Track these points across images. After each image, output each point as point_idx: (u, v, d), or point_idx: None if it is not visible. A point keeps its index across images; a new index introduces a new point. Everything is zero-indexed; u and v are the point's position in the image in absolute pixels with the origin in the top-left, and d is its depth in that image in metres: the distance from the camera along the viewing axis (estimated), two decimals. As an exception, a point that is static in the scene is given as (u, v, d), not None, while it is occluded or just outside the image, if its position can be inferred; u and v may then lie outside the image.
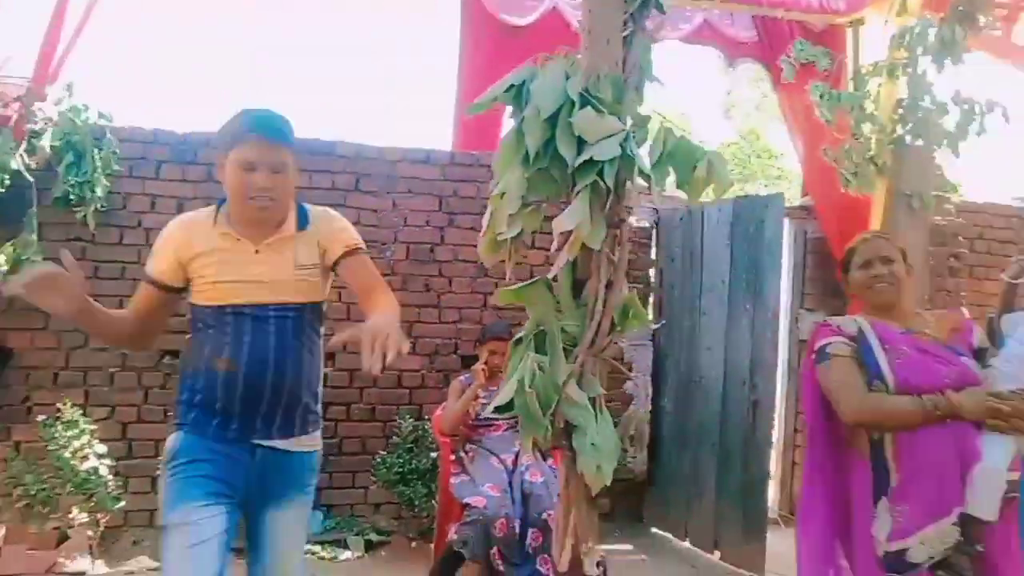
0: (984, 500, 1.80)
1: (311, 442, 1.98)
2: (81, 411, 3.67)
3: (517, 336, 1.87)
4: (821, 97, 3.97)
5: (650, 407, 4.64)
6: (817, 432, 2.09)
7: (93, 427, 3.64)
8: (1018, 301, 2.22)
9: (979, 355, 1.98)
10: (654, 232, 4.74)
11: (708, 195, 1.83)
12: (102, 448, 3.60)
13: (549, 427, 1.76)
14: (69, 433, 3.50)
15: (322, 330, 2.01)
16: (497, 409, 1.78)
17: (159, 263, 1.90)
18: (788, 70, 4.25)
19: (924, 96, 4.09)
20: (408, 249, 4.31)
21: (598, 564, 1.91)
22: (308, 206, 1.98)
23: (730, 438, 4.06)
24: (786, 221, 4.76)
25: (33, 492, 3.37)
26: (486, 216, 1.80)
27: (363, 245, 2.00)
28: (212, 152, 1.88)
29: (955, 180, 4.63)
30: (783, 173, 13.41)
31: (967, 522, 1.81)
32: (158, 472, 3.75)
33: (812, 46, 4.25)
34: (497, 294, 1.81)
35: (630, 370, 4.63)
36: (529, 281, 1.83)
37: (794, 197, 5.67)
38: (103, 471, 3.53)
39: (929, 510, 1.81)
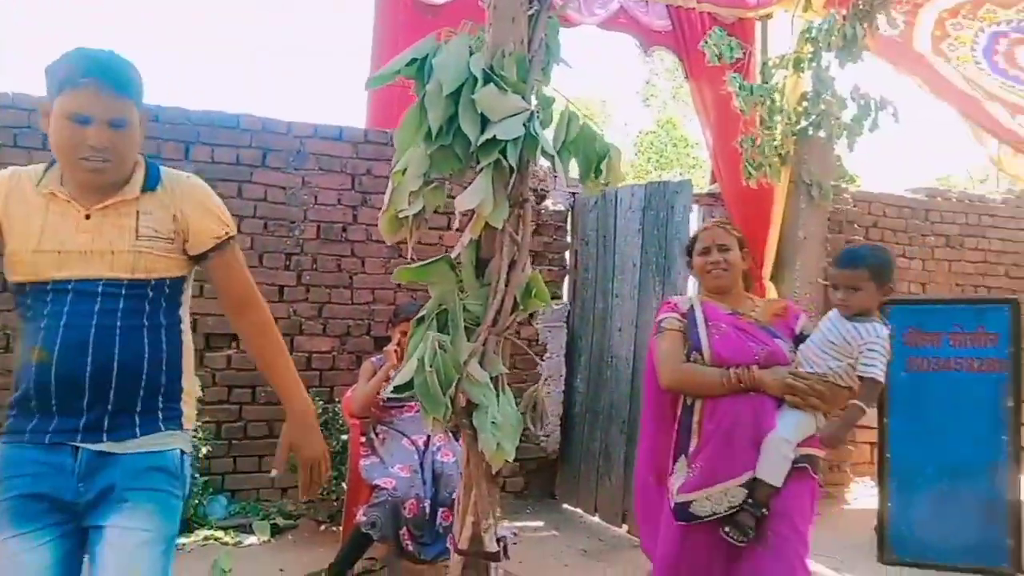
0: (770, 467, 2.00)
1: (163, 441, 1.60)
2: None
3: (419, 315, 1.85)
4: (741, 88, 4.09)
5: (563, 387, 4.73)
6: (650, 395, 2.33)
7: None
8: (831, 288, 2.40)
9: (801, 340, 2.18)
10: (569, 215, 4.79)
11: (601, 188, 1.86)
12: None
13: (449, 406, 1.76)
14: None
15: (184, 310, 1.71)
16: (396, 389, 1.77)
17: None
18: (711, 55, 4.35)
19: (826, 90, 4.27)
20: (319, 228, 4.21)
21: (499, 540, 1.93)
22: (162, 167, 1.66)
23: (639, 416, 4.16)
24: (695, 207, 4.92)
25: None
26: (387, 193, 1.77)
27: (234, 231, 1.73)
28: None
29: (852, 171, 4.86)
30: (699, 162, 13.79)
31: (757, 486, 2.00)
32: None
33: (725, 36, 4.36)
34: (397, 272, 1.79)
35: (544, 351, 4.69)
36: (430, 260, 1.82)
37: (707, 185, 5.84)
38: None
39: (719, 470, 2.03)
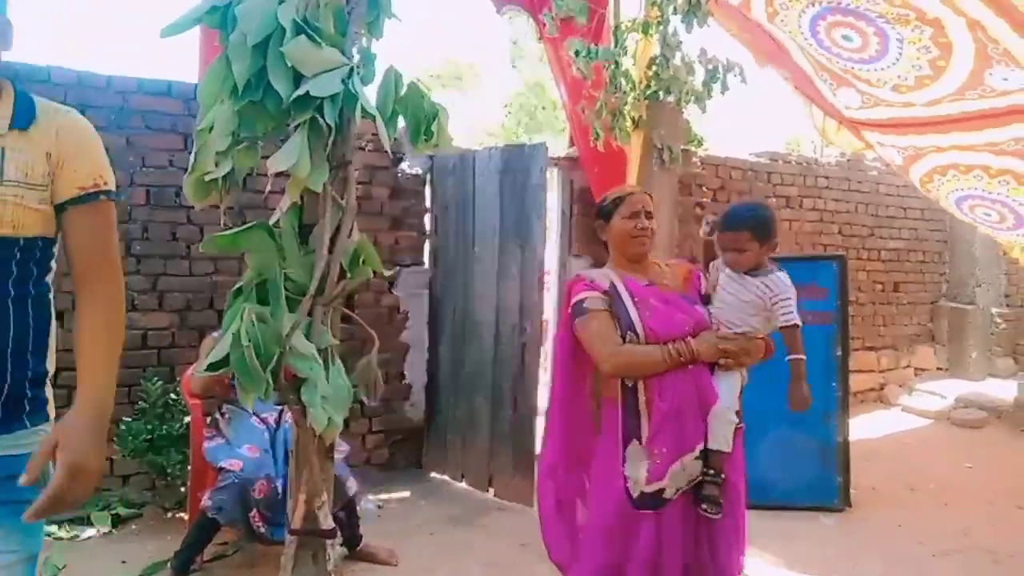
0: (722, 435, 2.01)
1: (29, 441, 1.37)
2: None
3: (236, 287, 1.72)
4: (577, 54, 4.09)
5: (427, 356, 4.67)
6: (565, 377, 2.19)
7: None
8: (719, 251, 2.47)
9: (706, 301, 2.19)
10: (428, 178, 4.69)
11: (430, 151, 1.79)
12: None
13: (271, 382, 1.65)
14: None
15: (51, 277, 1.44)
16: (211, 366, 1.64)
17: None
18: (551, 25, 4.32)
19: (674, 54, 4.35)
20: (148, 193, 3.86)
21: (336, 517, 1.86)
22: (37, 97, 1.38)
23: (502, 380, 4.20)
24: (554, 170, 4.95)
25: None
26: (192, 153, 1.61)
27: (111, 186, 1.42)
28: None
29: (701, 135, 5.03)
30: (567, 125, 13.94)
31: (712, 455, 2.00)
32: None
33: (574, 1, 4.35)
34: (206, 241, 1.64)
35: (406, 319, 4.60)
36: (244, 226, 1.68)
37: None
38: None
39: (677, 449, 1.98)
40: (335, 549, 1.76)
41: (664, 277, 2.18)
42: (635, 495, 2.00)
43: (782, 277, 2.11)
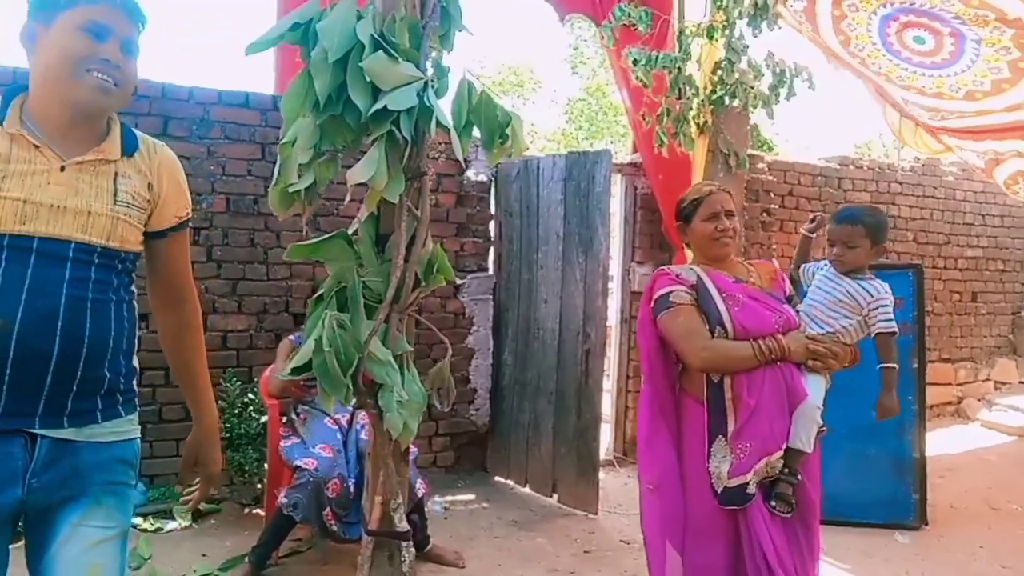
0: (805, 434, 1.99)
1: (124, 429, 1.49)
2: None
3: (317, 294, 1.79)
4: (635, 63, 4.08)
5: (491, 360, 4.72)
6: (656, 376, 2.15)
7: None
8: (814, 252, 2.44)
9: (789, 302, 2.17)
10: (492, 186, 4.74)
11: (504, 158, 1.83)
12: None
13: (351, 386, 1.71)
14: None
15: (134, 287, 1.56)
16: (295, 370, 1.71)
17: None
18: (608, 37, 4.33)
19: (740, 58, 4.30)
20: (228, 200, 4.03)
21: (410, 517, 1.91)
22: (135, 130, 1.55)
23: (566, 386, 4.21)
24: (617, 177, 4.94)
25: None
26: (276, 166, 1.69)
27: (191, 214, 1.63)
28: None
29: (770, 139, 4.95)
30: (628, 130, 13.86)
31: (791, 454, 1.98)
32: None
33: (636, 8, 4.33)
34: (289, 250, 1.71)
35: (471, 324, 4.67)
36: (325, 236, 1.75)
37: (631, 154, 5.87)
38: None
39: (763, 446, 1.95)
40: (410, 550, 1.80)
41: (750, 275, 2.16)
42: (719, 490, 1.97)
43: (882, 284, 2.10)
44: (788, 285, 2.21)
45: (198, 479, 1.68)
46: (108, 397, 1.45)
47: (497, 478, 4.61)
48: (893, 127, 4.72)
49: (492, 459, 4.71)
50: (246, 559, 3.10)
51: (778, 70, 4.39)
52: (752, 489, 1.96)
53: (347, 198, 1.68)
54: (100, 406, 1.43)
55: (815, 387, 2.02)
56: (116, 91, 1.40)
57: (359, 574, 1.78)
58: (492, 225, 4.76)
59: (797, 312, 2.14)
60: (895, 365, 2.08)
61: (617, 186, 4.97)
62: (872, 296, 2.06)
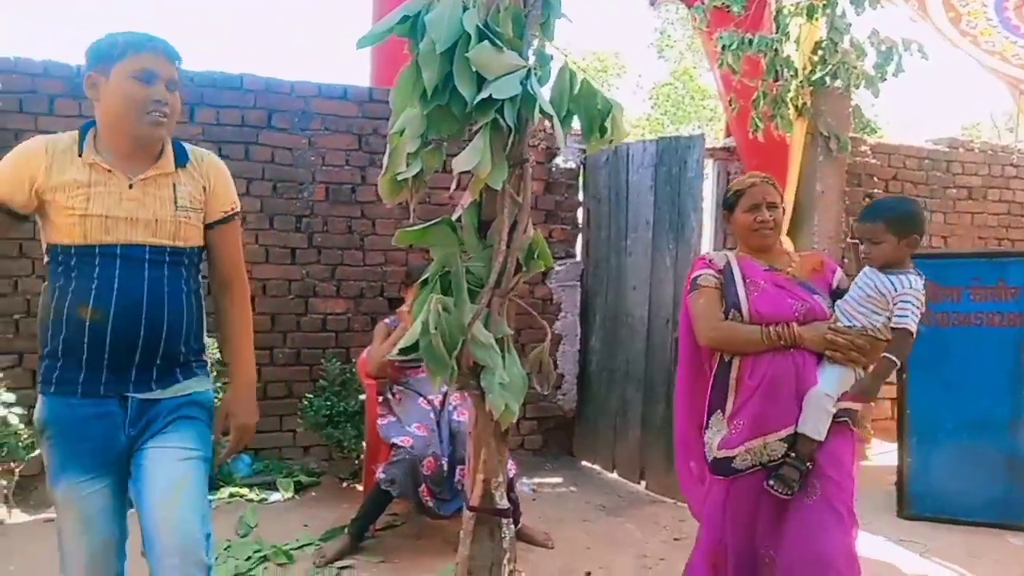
0: (812, 421, 2.01)
1: (200, 384, 1.82)
2: (-14, 359, 3.53)
3: (423, 278, 1.85)
4: (724, 48, 3.98)
5: (579, 346, 4.74)
6: (685, 352, 2.32)
7: (-1, 375, 3.50)
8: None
9: (839, 295, 2.16)
10: (581, 172, 4.74)
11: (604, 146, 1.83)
12: (10, 397, 3.47)
13: (455, 368, 1.77)
14: (-26, 383, 3.36)
15: (199, 277, 1.87)
16: (403, 351, 1.78)
17: (5, 183, 1.66)
18: (700, 19, 4.24)
19: (842, 37, 4.13)
20: (327, 189, 4.20)
21: (509, 495, 1.96)
22: (183, 142, 1.83)
23: (655, 374, 4.19)
24: (709, 161, 4.85)
25: (-58, 443, 3.25)
26: (386, 155, 1.75)
27: (239, 207, 1.92)
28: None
29: (873, 121, 4.74)
30: (716, 114, 13.52)
31: (799, 440, 2.02)
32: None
33: (733, -14, 4.23)
34: (398, 235, 1.78)
35: (559, 310, 4.70)
36: (431, 222, 1.81)
37: (723, 138, 5.73)
38: (12, 420, 3.42)
39: (760, 426, 2.04)
40: (510, 527, 1.85)
41: (789, 266, 2.20)
42: (709, 459, 2.14)
43: (913, 280, 2.03)
44: (838, 279, 2.21)
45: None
46: (184, 368, 1.78)
47: (584, 462, 4.64)
48: (1018, 99, 4.41)
49: (579, 444, 4.74)
50: (345, 531, 3.24)
51: (884, 47, 4.20)
52: (738, 464, 2.06)
53: (452, 186, 1.73)
54: (180, 374, 1.77)
55: (830, 376, 2.04)
56: (167, 122, 1.71)
57: (461, 548, 1.84)
58: (580, 212, 4.77)
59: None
60: (897, 360, 2.01)
61: (709, 171, 4.88)
62: (896, 291, 2.00)
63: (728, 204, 2.26)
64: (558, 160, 4.66)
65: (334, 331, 4.24)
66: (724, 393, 2.13)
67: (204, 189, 1.81)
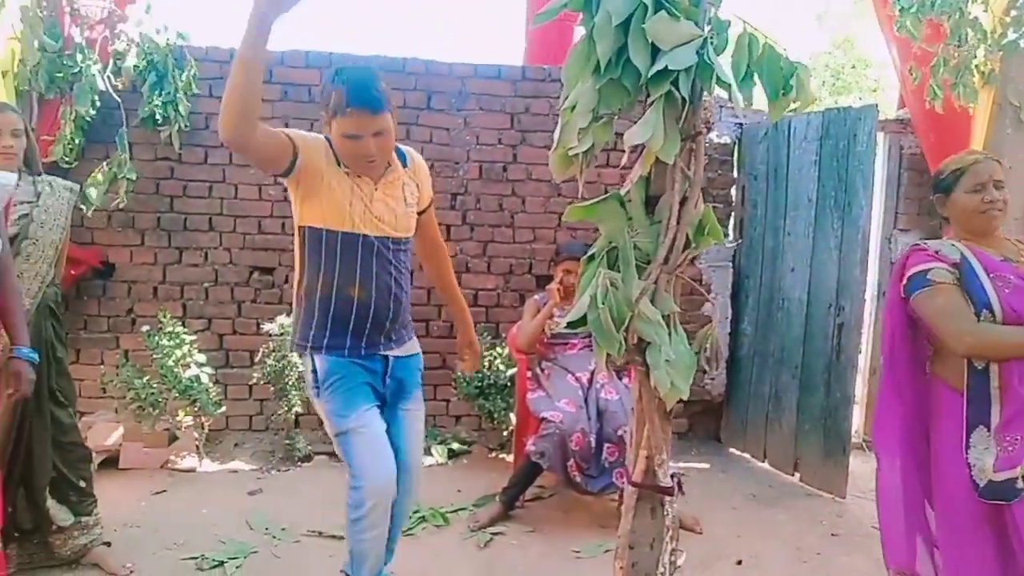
0: None
1: (415, 347, 2.35)
2: (180, 323, 3.92)
3: (589, 253, 1.86)
4: (903, 11, 3.64)
5: (729, 329, 4.59)
6: (899, 358, 2.03)
7: (192, 338, 3.88)
8: None
9: None
10: (736, 148, 4.56)
11: (789, 111, 1.74)
12: (201, 358, 3.85)
13: (623, 343, 1.76)
14: (171, 343, 3.75)
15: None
16: (570, 324, 1.79)
17: (305, 141, 2.05)
18: None
19: (1044, -7, 3.69)
20: (480, 168, 4.29)
21: (672, 475, 1.94)
22: (402, 147, 2.24)
23: (813, 361, 3.98)
24: (880, 135, 4.49)
25: (143, 396, 3.67)
26: (557, 130, 1.76)
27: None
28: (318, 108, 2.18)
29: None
30: (879, 84, 12.50)
31: None
32: (253, 381, 4.00)
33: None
34: (568, 211, 1.79)
35: (708, 291, 4.56)
36: (601, 197, 1.80)
37: (891, 109, 5.31)
38: (204, 379, 3.79)
39: None
40: (673, 506, 1.84)
41: (1021, 254, 1.92)
42: (981, 484, 1.81)
43: None
44: None
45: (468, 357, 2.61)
46: (407, 329, 2.32)
47: (732, 449, 4.51)
48: None
49: (727, 430, 4.61)
50: (497, 499, 3.35)
51: (1094, 3, 3.71)
52: (1021, 484, 1.77)
53: (623, 160, 1.71)
54: (406, 335, 2.30)
55: None
56: (380, 162, 2.10)
57: (623, 522, 1.84)
58: (734, 189, 4.59)
59: None
60: None
61: (880, 146, 4.53)
62: None
63: (944, 186, 1.99)
64: (712, 135, 4.51)
65: (484, 306, 4.35)
66: (986, 406, 1.84)
67: (418, 186, 2.25)
